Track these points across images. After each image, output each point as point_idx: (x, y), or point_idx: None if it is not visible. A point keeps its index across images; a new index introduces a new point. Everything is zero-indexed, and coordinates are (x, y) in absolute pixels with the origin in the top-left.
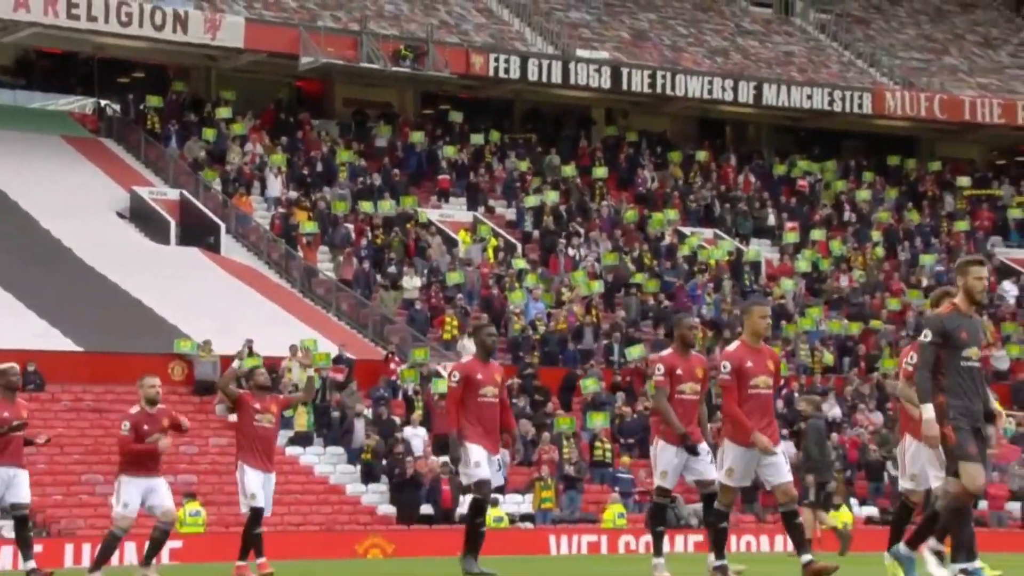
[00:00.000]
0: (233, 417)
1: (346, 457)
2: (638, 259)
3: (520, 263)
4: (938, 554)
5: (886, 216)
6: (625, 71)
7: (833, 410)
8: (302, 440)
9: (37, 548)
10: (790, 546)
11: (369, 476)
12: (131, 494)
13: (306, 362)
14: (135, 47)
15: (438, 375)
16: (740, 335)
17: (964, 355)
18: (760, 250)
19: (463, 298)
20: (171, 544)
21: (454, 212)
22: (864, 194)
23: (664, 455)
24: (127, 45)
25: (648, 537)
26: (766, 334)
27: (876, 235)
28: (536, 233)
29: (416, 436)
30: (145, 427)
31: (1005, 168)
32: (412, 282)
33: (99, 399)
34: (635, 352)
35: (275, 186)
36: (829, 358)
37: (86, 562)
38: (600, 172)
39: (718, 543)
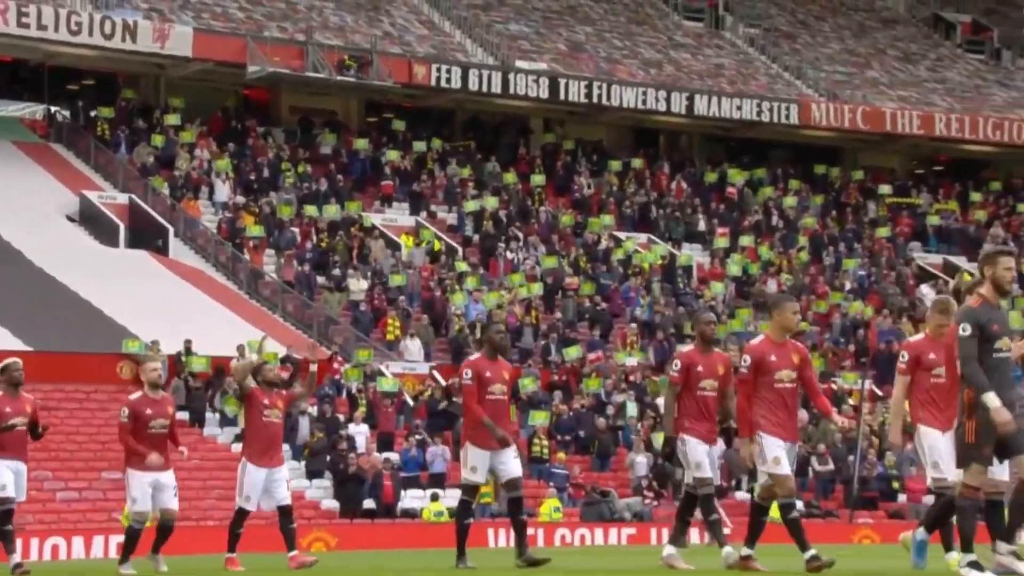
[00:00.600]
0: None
1: (291, 454)
2: (575, 262)
3: (462, 266)
4: (1014, 554)
5: (811, 222)
6: (562, 82)
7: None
8: None
9: None
10: (707, 538)
11: (313, 472)
12: (139, 488)
13: (311, 357)
14: (85, 55)
15: (381, 374)
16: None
17: (996, 347)
18: (692, 254)
19: (405, 300)
20: (118, 538)
21: (397, 217)
22: (791, 201)
23: (693, 447)
24: (77, 53)
25: (583, 531)
26: (796, 329)
27: (802, 240)
28: (476, 237)
29: (360, 433)
30: (148, 411)
31: (924, 177)
32: (356, 284)
33: (48, 398)
34: (571, 352)
35: (222, 191)
36: None
37: (34, 556)
38: (538, 179)
39: (799, 535)
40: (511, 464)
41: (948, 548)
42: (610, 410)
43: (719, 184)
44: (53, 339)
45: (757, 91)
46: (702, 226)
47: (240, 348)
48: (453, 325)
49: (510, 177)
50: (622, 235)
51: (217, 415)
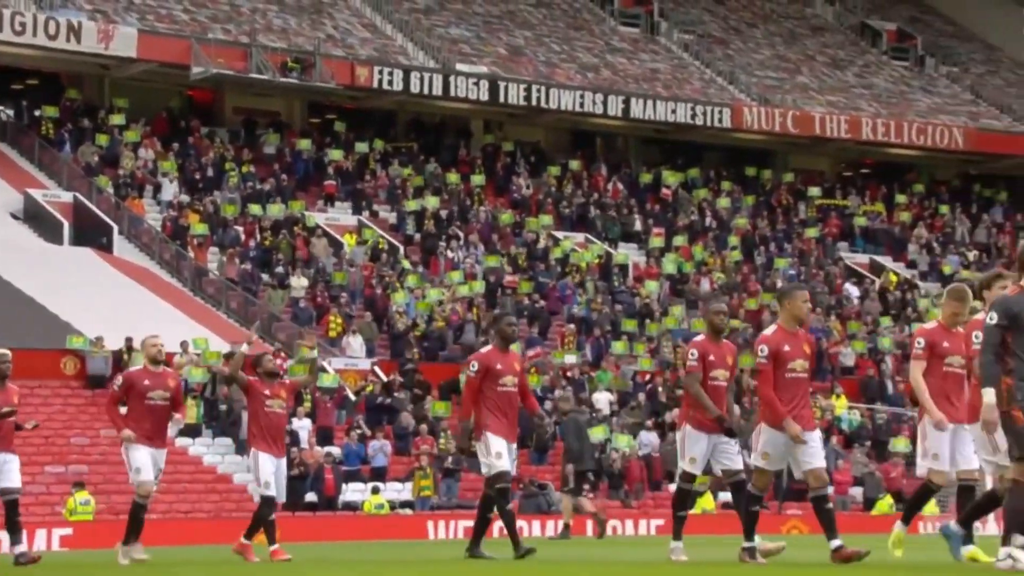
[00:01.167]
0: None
1: (233, 448)
2: (514, 261)
3: (405, 263)
4: None
5: (744, 223)
6: (502, 84)
7: None
8: (191, 432)
9: None
10: (652, 530)
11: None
12: (140, 458)
13: (310, 344)
14: (29, 55)
15: (323, 370)
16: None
17: None
18: (628, 253)
19: (347, 297)
20: (61, 531)
21: (339, 216)
22: (723, 202)
23: (693, 441)
24: (21, 53)
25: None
26: (807, 319)
27: (734, 240)
28: (418, 236)
29: (302, 428)
30: (146, 382)
31: (851, 179)
32: (299, 282)
33: None
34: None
35: (167, 190)
36: None
37: None
38: (478, 179)
39: (749, 525)
40: (512, 461)
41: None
42: (548, 405)
43: (654, 185)
44: None
45: (691, 95)
46: (638, 226)
47: (183, 344)
48: (395, 322)
49: (451, 177)
50: (560, 234)
51: None
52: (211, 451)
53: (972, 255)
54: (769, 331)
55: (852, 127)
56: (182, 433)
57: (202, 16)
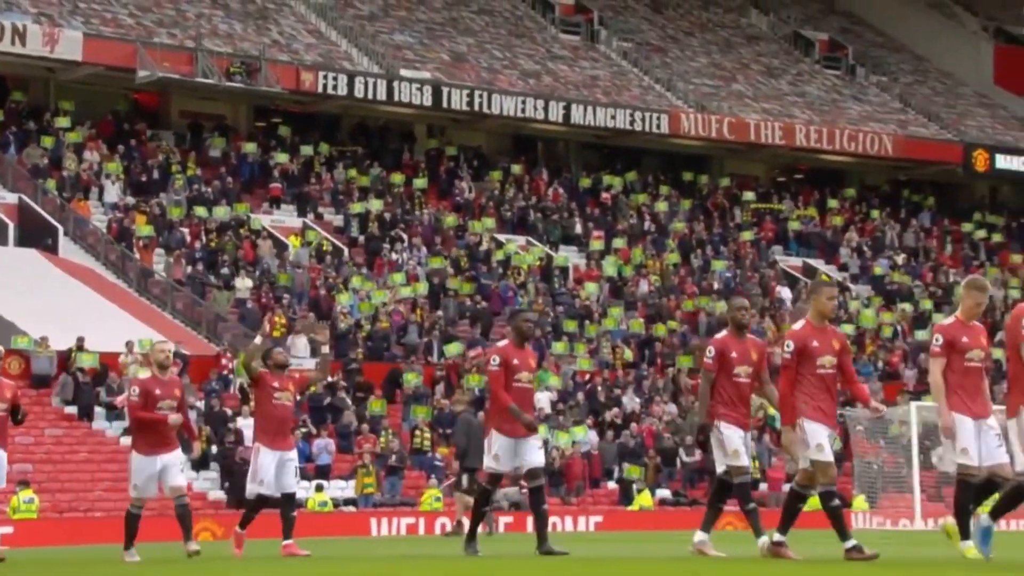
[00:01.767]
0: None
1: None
2: (456, 263)
3: (349, 265)
4: None
5: (681, 226)
6: (445, 90)
7: (632, 402)
8: None
9: None
10: (591, 526)
11: (201, 464)
12: (143, 474)
13: (320, 339)
14: None
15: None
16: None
17: None
18: (568, 256)
19: (292, 298)
20: (2, 530)
21: (285, 218)
22: (661, 206)
23: (730, 436)
24: None
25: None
26: (832, 315)
27: (672, 243)
28: (362, 238)
29: (247, 427)
30: (157, 391)
31: (785, 184)
32: (244, 283)
33: None
34: (453, 349)
35: (112, 192)
36: (629, 355)
37: None
38: (421, 183)
39: (839, 523)
40: (534, 454)
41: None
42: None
43: (594, 189)
44: None
45: (630, 102)
46: (578, 229)
47: (128, 344)
48: (339, 322)
49: (394, 179)
50: (502, 237)
51: (104, 409)
52: None
53: (901, 258)
54: (797, 326)
55: (786, 134)
56: (126, 432)
57: (147, 20)
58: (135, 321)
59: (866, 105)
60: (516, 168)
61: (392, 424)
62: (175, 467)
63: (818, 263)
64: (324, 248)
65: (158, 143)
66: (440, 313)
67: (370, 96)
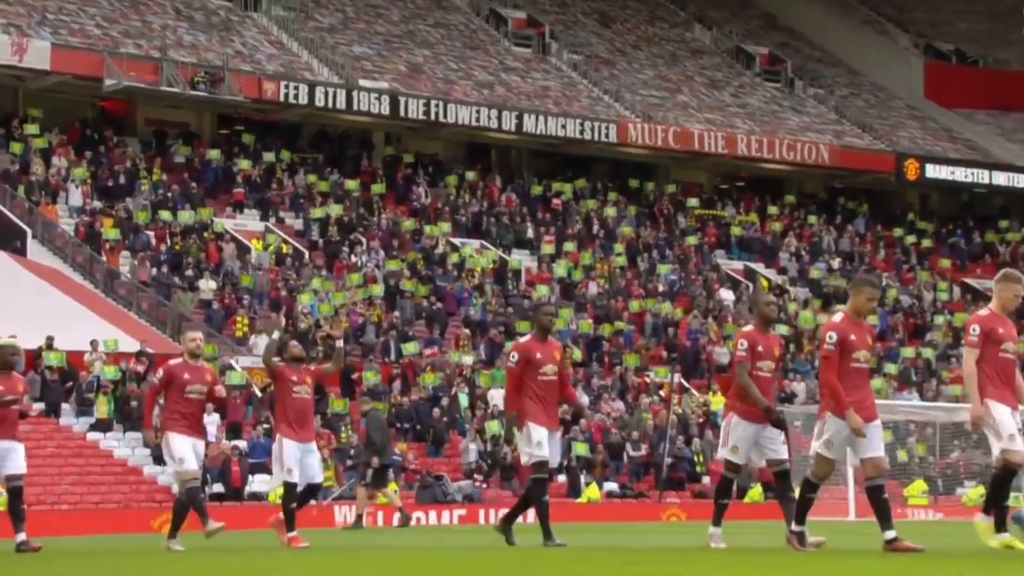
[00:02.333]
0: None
1: (142, 441)
2: (413, 266)
3: (310, 268)
4: None
5: (628, 231)
6: (402, 99)
7: (581, 399)
8: (102, 426)
9: None
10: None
11: (164, 459)
12: (182, 447)
13: (336, 334)
14: None
15: (231, 368)
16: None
17: None
18: (521, 259)
19: (253, 299)
20: None
21: (247, 222)
22: (610, 211)
23: (738, 430)
24: None
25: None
26: (869, 314)
27: (619, 247)
28: (322, 242)
29: (211, 423)
30: (185, 375)
31: (728, 191)
32: (207, 284)
33: None
34: (409, 348)
35: (79, 197)
36: (578, 354)
37: None
38: (379, 188)
39: (802, 510)
40: (554, 451)
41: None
42: (444, 401)
43: (545, 196)
44: None
45: (580, 112)
46: (530, 234)
47: (93, 343)
48: (300, 322)
49: (353, 185)
50: (457, 241)
51: (72, 406)
52: (122, 444)
53: (837, 262)
54: (836, 318)
55: (728, 143)
56: (93, 428)
57: (114, 31)
58: (102, 321)
59: (804, 116)
60: (470, 175)
61: (353, 420)
62: (201, 455)
63: (758, 266)
64: (285, 251)
65: (124, 149)
66: (397, 314)
67: (330, 105)
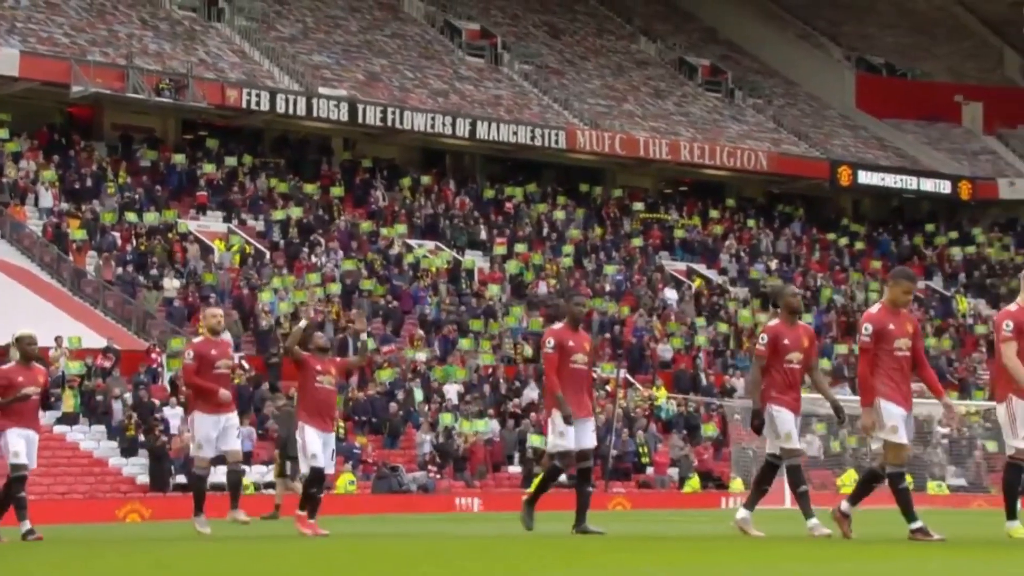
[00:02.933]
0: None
1: (106, 434)
2: (370, 266)
3: (271, 267)
4: None
5: (576, 233)
6: (360, 107)
7: (532, 393)
8: (69, 420)
9: None
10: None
11: (129, 451)
12: (205, 431)
13: (360, 327)
14: None
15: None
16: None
17: None
18: (474, 260)
19: (217, 297)
20: None
21: (210, 223)
22: (559, 215)
23: (782, 419)
24: None
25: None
26: (904, 307)
27: (568, 249)
28: (283, 243)
29: (174, 416)
30: (212, 352)
31: (671, 196)
32: (171, 283)
33: None
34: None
35: (47, 198)
36: (528, 350)
37: None
38: (338, 192)
39: (905, 504)
40: (588, 435)
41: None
42: (400, 395)
43: (497, 199)
44: None
45: (531, 119)
46: (483, 235)
47: (58, 339)
48: (260, 320)
49: (313, 188)
50: (413, 242)
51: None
52: (88, 437)
53: (774, 264)
54: (874, 309)
55: (672, 150)
56: (60, 421)
57: (82, 40)
58: (69, 318)
59: (743, 125)
60: (426, 179)
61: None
62: (233, 429)
63: (700, 267)
64: (247, 251)
65: (91, 153)
66: (354, 312)
67: (290, 112)
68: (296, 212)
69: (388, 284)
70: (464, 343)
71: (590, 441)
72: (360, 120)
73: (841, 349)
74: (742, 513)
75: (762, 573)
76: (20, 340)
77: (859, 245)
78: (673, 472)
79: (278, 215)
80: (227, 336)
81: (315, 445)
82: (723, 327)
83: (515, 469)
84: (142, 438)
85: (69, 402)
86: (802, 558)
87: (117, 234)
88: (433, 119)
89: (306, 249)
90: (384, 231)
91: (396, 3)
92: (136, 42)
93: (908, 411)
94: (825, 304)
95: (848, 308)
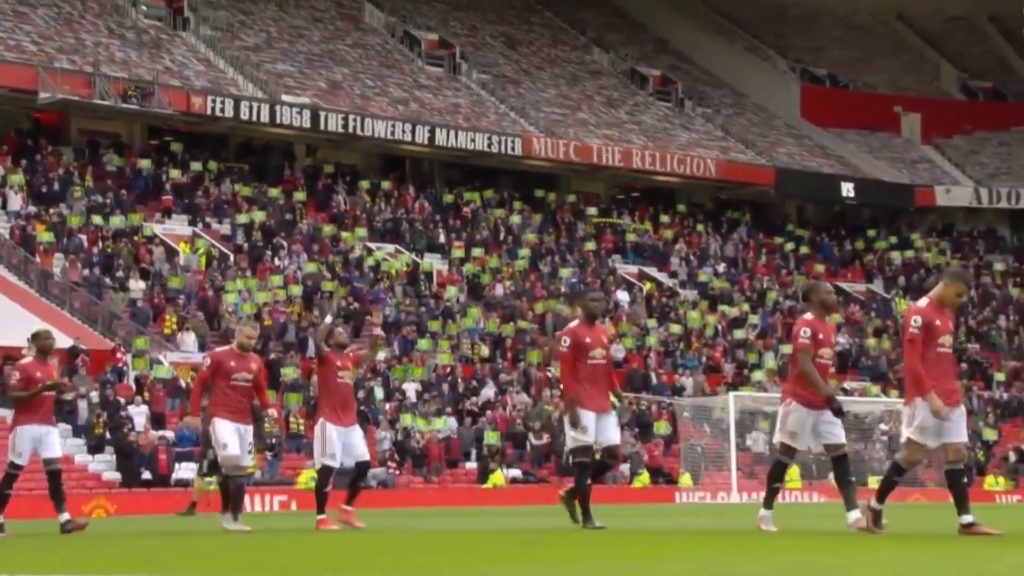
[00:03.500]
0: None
1: (71, 432)
2: (332, 268)
3: (234, 270)
4: None
5: (532, 237)
6: (323, 114)
7: (489, 392)
8: None
9: None
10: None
11: (96, 447)
12: (227, 433)
13: (377, 321)
14: None
15: (159, 362)
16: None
17: None
18: (433, 262)
19: (182, 299)
20: None
21: (176, 227)
22: (515, 219)
23: (796, 416)
24: None
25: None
26: (950, 308)
27: (524, 252)
28: (247, 246)
29: (140, 413)
30: (232, 363)
31: (624, 201)
32: (137, 285)
33: None
34: None
35: (15, 202)
36: (485, 351)
37: None
38: (300, 196)
39: (883, 490)
40: (612, 432)
41: None
42: (361, 393)
43: (456, 204)
44: None
45: (488, 126)
46: (441, 239)
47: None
48: (225, 321)
49: (276, 192)
50: (373, 245)
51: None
52: None
53: (722, 267)
54: (922, 303)
55: (624, 157)
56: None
57: (49, 47)
58: (36, 319)
59: (693, 133)
60: (386, 184)
61: (298, 411)
62: (247, 440)
63: (651, 270)
64: (212, 254)
65: (59, 158)
66: (316, 313)
67: (254, 118)
68: (260, 216)
69: (349, 286)
70: (423, 343)
71: (614, 436)
72: (322, 127)
73: (786, 349)
74: (762, 512)
75: (706, 568)
76: (37, 336)
77: (803, 249)
78: (624, 468)
79: (242, 219)
80: (253, 353)
81: (334, 444)
82: (675, 328)
83: (471, 465)
84: (108, 435)
85: None
86: (747, 551)
87: (84, 237)
88: (393, 126)
89: (269, 252)
90: (345, 235)
91: (357, 14)
92: (103, 50)
93: (956, 406)
94: (771, 306)
95: (794, 310)
